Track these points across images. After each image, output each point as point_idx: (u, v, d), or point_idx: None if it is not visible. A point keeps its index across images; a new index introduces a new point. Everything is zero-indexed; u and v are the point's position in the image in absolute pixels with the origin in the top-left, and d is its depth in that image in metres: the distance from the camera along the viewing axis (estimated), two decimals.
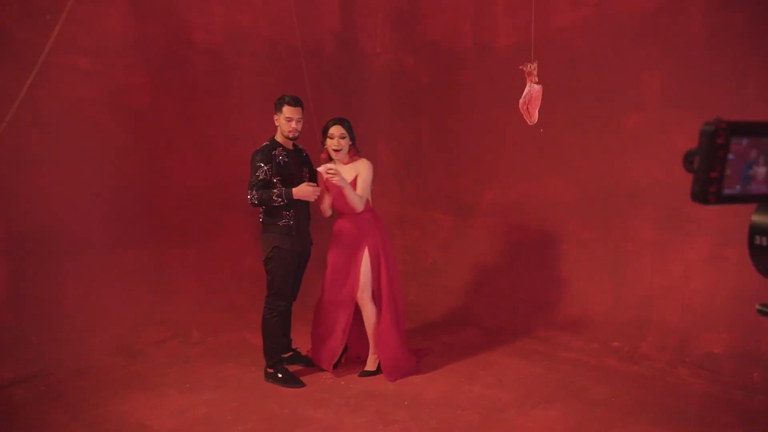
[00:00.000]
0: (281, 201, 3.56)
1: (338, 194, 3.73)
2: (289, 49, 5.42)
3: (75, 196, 4.24)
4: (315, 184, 3.63)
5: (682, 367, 3.82)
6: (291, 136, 3.71)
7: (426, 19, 5.76)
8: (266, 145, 3.69)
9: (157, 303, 4.63)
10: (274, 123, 3.77)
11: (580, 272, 4.64)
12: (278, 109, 3.69)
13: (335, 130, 3.73)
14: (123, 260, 4.48)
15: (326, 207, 3.86)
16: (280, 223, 3.68)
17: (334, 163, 3.74)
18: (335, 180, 3.53)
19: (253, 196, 3.56)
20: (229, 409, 3.38)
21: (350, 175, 3.75)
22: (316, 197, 3.63)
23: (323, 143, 3.81)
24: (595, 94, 4.49)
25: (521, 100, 3.58)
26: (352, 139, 3.80)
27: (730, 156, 0.53)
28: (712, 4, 3.89)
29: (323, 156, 3.87)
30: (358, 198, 3.69)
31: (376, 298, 3.85)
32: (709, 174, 0.53)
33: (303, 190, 3.59)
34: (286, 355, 3.96)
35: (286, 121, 3.67)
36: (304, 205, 3.80)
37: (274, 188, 3.60)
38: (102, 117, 4.37)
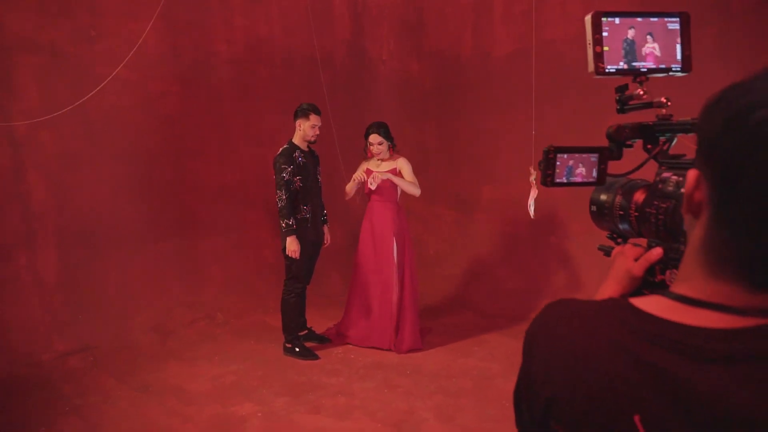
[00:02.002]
0: (284, 228, 4.09)
1: (379, 187, 4.33)
2: (303, 57, 5.94)
3: (115, 193, 4.76)
4: (296, 250, 4.13)
5: None
6: (314, 140, 4.22)
7: (430, 29, 6.25)
8: (286, 148, 4.19)
9: (187, 289, 5.15)
10: (290, 126, 4.27)
11: (570, 262, 5.12)
12: (304, 115, 4.19)
13: (373, 138, 4.34)
14: (156, 251, 5.00)
15: (350, 191, 4.48)
16: (298, 216, 4.19)
17: (376, 165, 4.40)
18: (379, 180, 4.23)
19: (282, 198, 4.07)
20: (254, 377, 3.90)
21: (388, 166, 4.37)
22: (294, 256, 4.13)
23: (365, 146, 4.42)
24: (583, 99, 4.95)
25: (529, 202, 4.10)
26: (390, 140, 4.36)
27: (558, 162, 1.03)
28: None
29: (369, 155, 4.46)
30: (411, 185, 4.32)
31: (399, 281, 4.39)
32: (547, 171, 1.03)
33: (291, 245, 4.09)
34: (302, 333, 4.47)
35: (312, 128, 4.18)
36: (318, 200, 4.35)
37: (295, 193, 4.13)
38: (138, 122, 4.88)
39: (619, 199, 1.01)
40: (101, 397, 3.65)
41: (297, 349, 4.27)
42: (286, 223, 4.08)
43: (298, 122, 4.22)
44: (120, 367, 4.08)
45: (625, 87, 1.03)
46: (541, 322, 0.72)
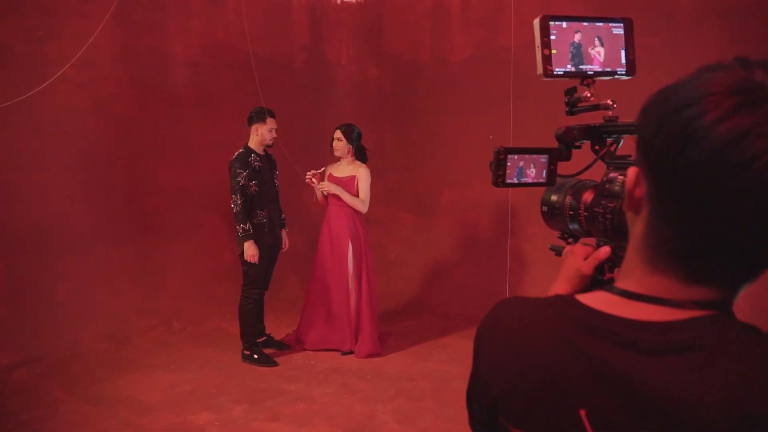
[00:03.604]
0: (240, 233, 4.04)
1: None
2: (262, 61, 5.87)
3: (67, 197, 4.61)
4: (254, 254, 4.08)
5: None
6: (272, 143, 4.19)
7: (388, 34, 6.29)
8: (241, 152, 4.14)
9: (143, 295, 5.02)
10: (248, 130, 4.22)
11: (527, 264, 5.21)
12: (261, 120, 4.15)
13: (336, 133, 4.41)
14: (111, 256, 4.86)
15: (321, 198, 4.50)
16: (254, 221, 4.14)
17: (337, 170, 4.44)
18: (324, 189, 4.29)
19: (237, 203, 4.01)
20: (212, 385, 3.83)
21: (347, 172, 4.39)
22: (253, 261, 4.07)
23: (332, 140, 4.45)
24: (538, 104, 5.05)
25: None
26: (351, 142, 4.35)
27: (509, 163, 1.04)
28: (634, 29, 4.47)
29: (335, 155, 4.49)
30: (358, 201, 4.35)
31: (356, 285, 4.38)
32: (498, 172, 1.04)
33: (249, 249, 4.04)
34: (260, 340, 4.41)
35: (269, 131, 4.15)
36: (276, 205, 4.31)
37: (251, 198, 4.08)
38: (91, 124, 4.75)
39: (568, 199, 1.03)
40: (49, 410, 3.51)
41: (255, 356, 4.20)
42: (243, 228, 4.02)
43: (254, 127, 4.17)
44: (70, 379, 3.94)
45: (574, 90, 1.06)
46: (489, 319, 0.73)
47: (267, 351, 4.36)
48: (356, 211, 4.44)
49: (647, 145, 0.58)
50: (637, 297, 0.60)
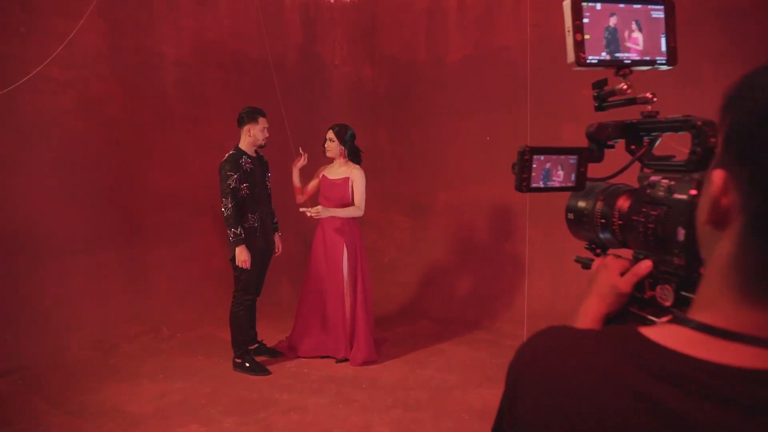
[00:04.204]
0: (231, 237, 3.88)
1: (326, 194, 4.24)
2: (254, 61, 5.75)
3: (52, 200, 4.45)
4: (246, 260, 3.92)
5: None
6: (264, 144, 4.06)
7: (383, 34, 6.17)
8: (232, 154, 4.00)
9: (131, 301, 4.87)
10: (239, 132, 4.08)
11: (524, 268, 5.09)
12: (253, 120, 4.02)
13: (328, 133, 4.27)
14: (98, 261, 4.71)
15: (300, 194, 4.36)
16: (246, 225, 4.00)
17: (331, 172, 4.29)
18: (320, 215, 4.08)
19: (228, 207, 3.87)
20: (202, 395, 3.68)
21: (340, 174, 4.24)
22: (245, 266, 3.93)
23: (324, 140, 4.33)
24: (537, 106, 4.95)
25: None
26: (343, 143, 4.22)
27: (534, 165, 0.92)
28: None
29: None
30: (353, 210, 4.22)
31: (351, 291, 4.25)
32: (522, 175, 0.92)
33: (241, 255, 3.89)
34: (252, 347, 4.27)
35: (262, 131, 4.02)
36: (268, 208, 4.17)
37: (242, 201, 3.94)
38: (78, 125, 4.59)
39: (600, 205, 0.92)
40: (31, 423, 3.35)
41: (247, 364, 4.07)
42: (234, 233, 3.89)
43: (247, 127, 4.04)
44: (54, 389, 3.78)
45: (604, 82, 0.94)
46: (528, 355, 0.60)
47: (259, 358, 4.22)
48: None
49: (745, 141, 0.46)
50: (726, 335, 0.48)
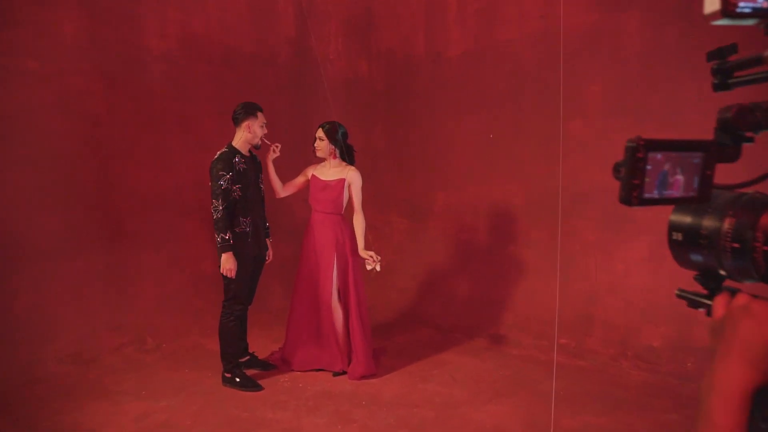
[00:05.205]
0: (219, 242, 3.59)
1: (317, 196, 3.97)
2: (244, 55, 5.46)
3: (27, 201, 4.16)
4: (232, 268, 3.64)
5: (624, 360, 4.05)
6: (260, 144, 3.79)
7: (380, 28, 5.89)
8: (225, 152, 3.70)
9: (113, 309, 4.57)
10: (230, 128, 3.80)
11: (529, 272, 4.84)
12: (251, 115, 3.72)
13: (318, 132, 4.00)
14: (77, 266, 4.41)
15: (278, 189, 4.05)
16: (237, 230, 3.71)
17: (322, 172, 4.02)
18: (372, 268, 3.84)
19: (218, 210, 3.58)
20: (188, 414, 3.39)
21: (334, 175, 3.97)
22: (230, 275, 3.64)
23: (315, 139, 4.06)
24: (541, 103, 4.70)
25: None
26: (334, 142, 3.94)
27: (649, 166, 0.65)
28: (647, 20, 4.15)
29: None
30: (362, 225, 3.95)
31: (343, 300, 3.97)
32: (632, 181, 0.65)
33: (227, 263, 3.60)
34: (243, 360, 3.99)
35: (261, 127, 3.74)
36: (261, 211, 3.88)
37: (234, 203, 3.65)
38: (55, 122, 4.30)
39: (730, 222, 0.65)
40: None
41: (237, 379, 3.78)
42: (222, 238, 3.59)
43: (246, 123, 3.72)
44: (25, 409, 3.48)
45: (732, 49, 0.67)
46: None
47: (250, 372, 3.94)
48: (343, 218, 4.04)
49: None
50: None
